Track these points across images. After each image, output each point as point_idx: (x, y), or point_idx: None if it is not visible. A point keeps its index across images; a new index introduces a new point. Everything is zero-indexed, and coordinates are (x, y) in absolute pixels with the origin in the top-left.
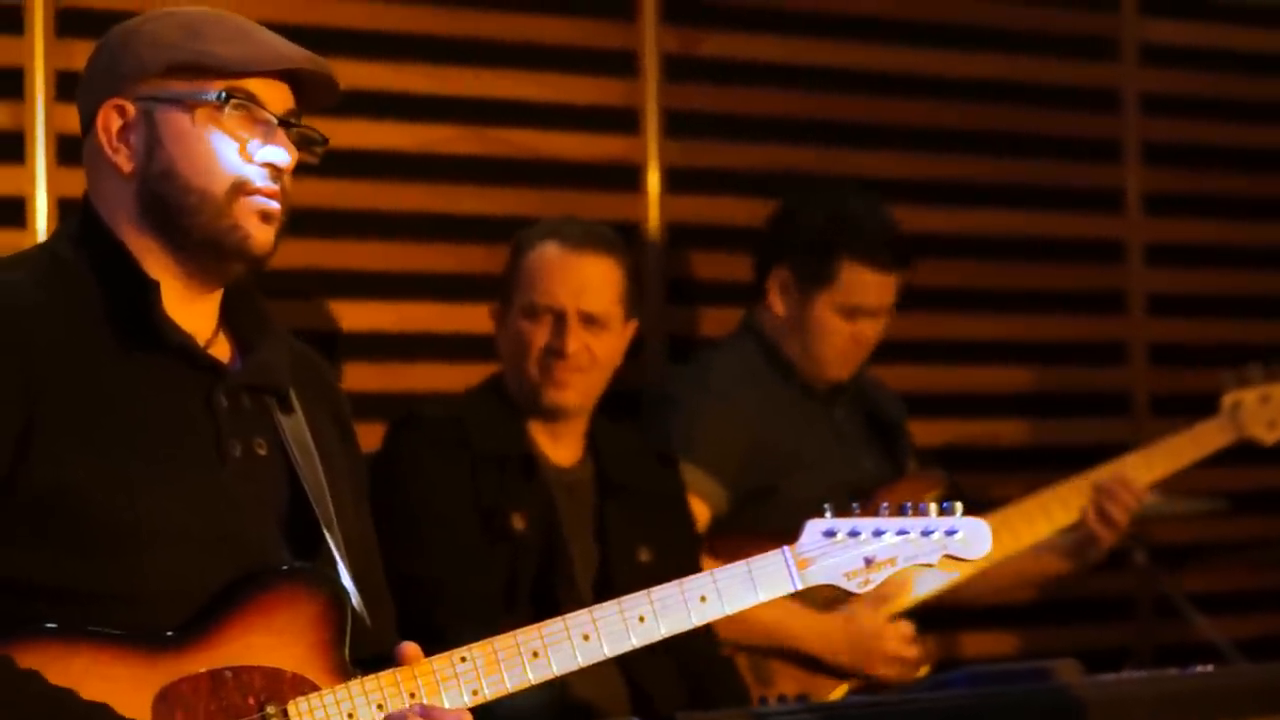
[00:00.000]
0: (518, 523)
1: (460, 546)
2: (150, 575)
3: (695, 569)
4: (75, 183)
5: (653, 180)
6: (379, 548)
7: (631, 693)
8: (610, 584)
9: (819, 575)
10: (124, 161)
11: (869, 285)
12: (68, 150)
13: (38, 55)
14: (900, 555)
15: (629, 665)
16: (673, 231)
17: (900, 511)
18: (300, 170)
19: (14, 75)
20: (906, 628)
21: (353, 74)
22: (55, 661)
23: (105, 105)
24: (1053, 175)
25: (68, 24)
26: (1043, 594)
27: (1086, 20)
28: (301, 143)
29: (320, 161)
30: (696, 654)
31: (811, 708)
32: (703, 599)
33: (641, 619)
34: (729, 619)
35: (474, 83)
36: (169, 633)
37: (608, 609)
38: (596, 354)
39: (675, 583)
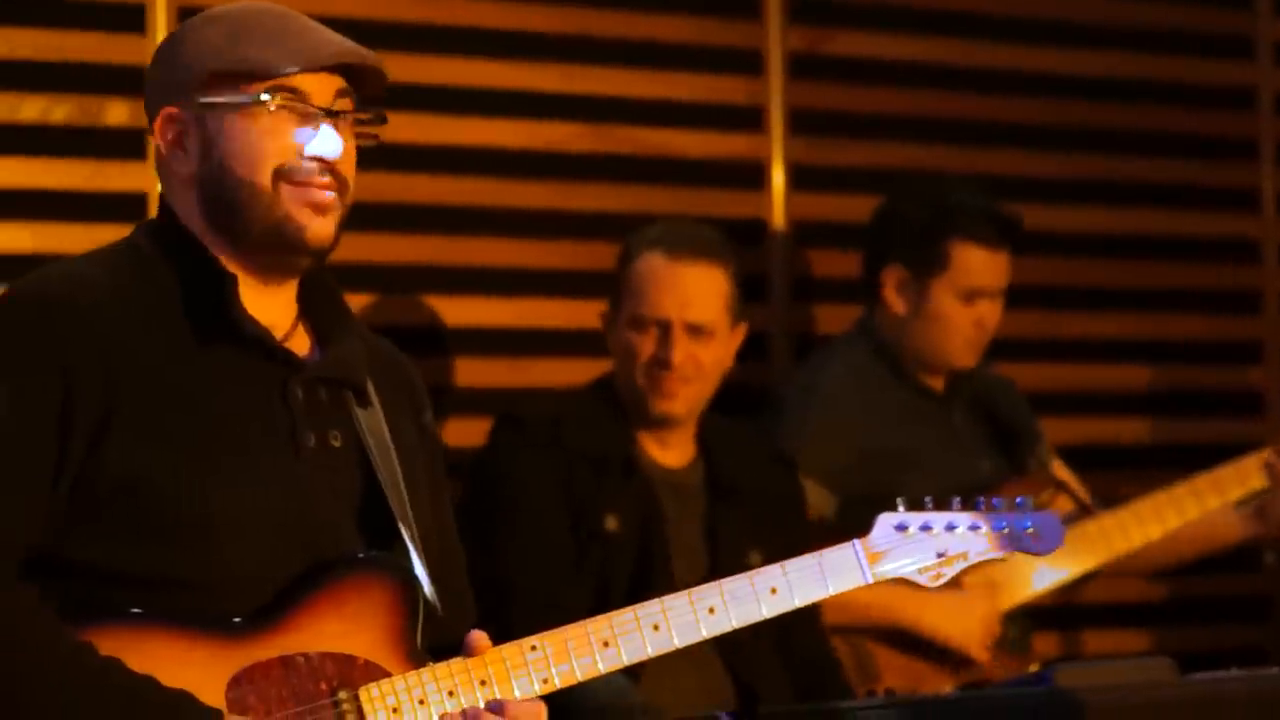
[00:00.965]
0: (610, 523)
1: (546, 546)
2: (224, 563)
3: None
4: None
5: (777, 178)
6: (469, 544)
7: (736, 687)
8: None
9: (890, 569)
10: (183, 167)
11: (983, 265)
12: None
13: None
14: (972, 549)
15: (734, 659)
16: (797, 230)
17: (974, 506)
18: (423, 167)
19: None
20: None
21: (476, 72)
22: (132, 647)
23: (161, 114)
24: (1187, 174)
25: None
26: (1174, 592)
27: (1220, 18)
28: (355, 125)
29: (439, 159)
30: (803, 649)
31: (892, 702)
32: (773, 591)
33: (711, 610)
34: (833, 599)
35: (598, 81)
36: (242, 619)
37: (678, 599)
38: (703, 363)
39: (745, 574)
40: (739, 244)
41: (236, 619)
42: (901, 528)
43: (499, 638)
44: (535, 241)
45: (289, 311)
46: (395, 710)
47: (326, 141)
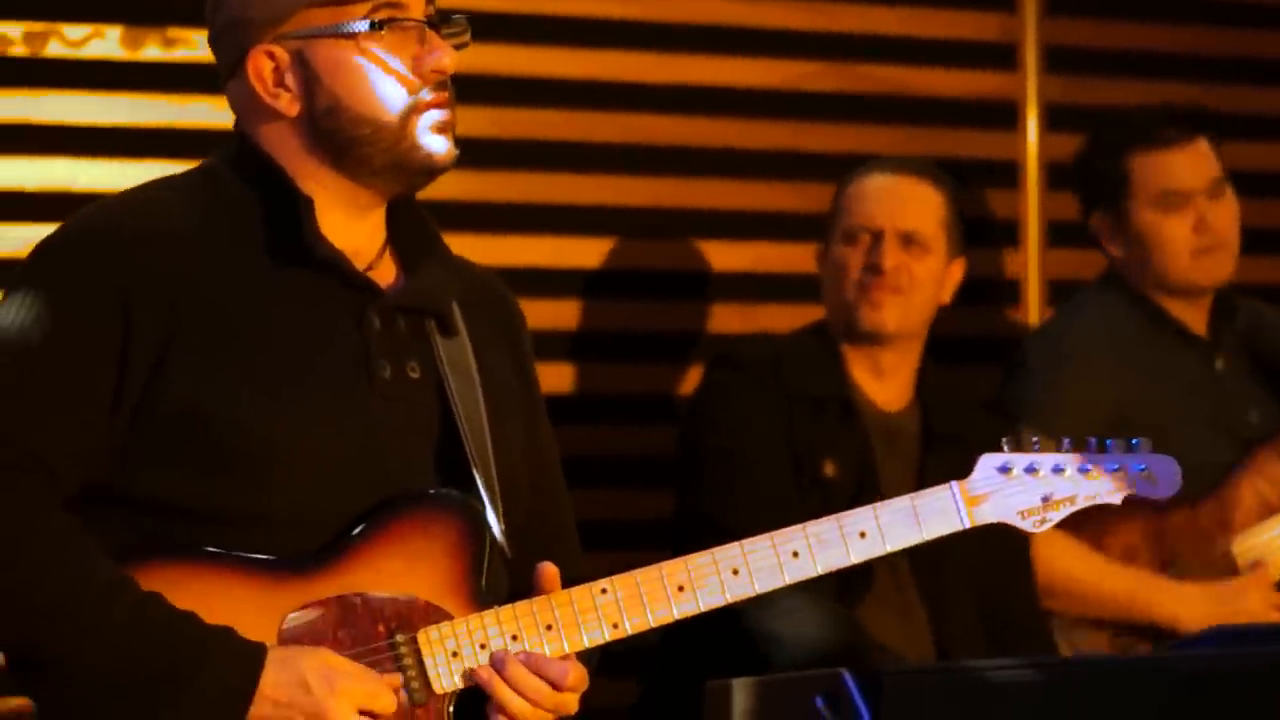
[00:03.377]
0: (829, 469)
1: (767, 490)
2: (283, 497)
3: (1021, 540)
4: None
5: (1031, 118)
6: (681, 487)
7: (936, 640)
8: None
9: (990, 513)
10: (287, 105)
11: (1164, 166)
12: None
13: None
14: (1080, 493)
15: (936, 614)
16: (1052, 172)
17: (1084, 446)
18: (662, 108)
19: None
20: (1272, 593)
21: (715, 10)
22: (185, 583)
23: (252, 54)
24: None
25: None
26: None
27: None
28: (448, 32)
29: (680, 99)
30: (1007, 612)
31: (1031, 663)
32: (862, 535)
33: (795, 554)
34: (1071, 594)
35: (842, 17)
36: (301, 556)
37: (759, 543)
38: (915, 275)
39: (833, 517)
40: (990, 187)
41: (295, 556)
42: (1004, 469)
43: None
44: (772, 183)
45: (376, 239)
46: (454, 654)
47: (440, 55)
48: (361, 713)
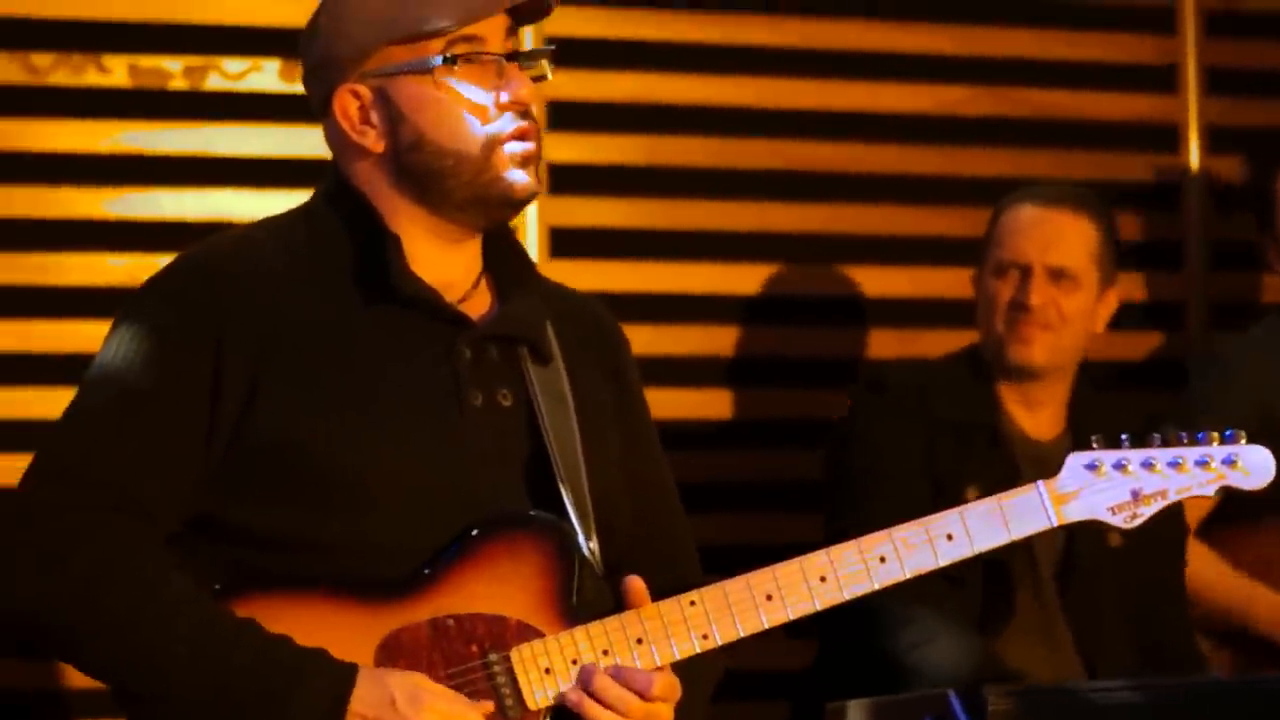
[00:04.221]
0: (971, 495)
1: (903, 512)
2: (376, 527)
3: (1175, 561)
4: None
5: (1193, 140)
6: (827, 509)
7: (1083, 663)
8: (1075, 567)
9: (1078, 511)
10: (373, 142)
11: None
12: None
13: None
14: (1171, 487)
15: (1082, 634)
16: (1214, 194)
17: (1176, 440)
18: (818, 133)
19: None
20: None
21: (867, 36)
22: (282, 611)
23: (338, 93)
24: None
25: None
26: None
27: None
28: (532, 61)
29: (835, 125)
30: (1160, 631)
31: (1137, 685)
32: (949, 537)
33: (882, 559)
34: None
35: (994, 41)
36: (393, 582)
37: (846, 549)
38: (1065, 311)
39: (919, 521)
40: (1151, 209)
41: (388, 581)
42: (1092, 466)
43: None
44: (929, 208)
45: (472, 270)
46: (548, 671)
47: (519, 87)
48: None
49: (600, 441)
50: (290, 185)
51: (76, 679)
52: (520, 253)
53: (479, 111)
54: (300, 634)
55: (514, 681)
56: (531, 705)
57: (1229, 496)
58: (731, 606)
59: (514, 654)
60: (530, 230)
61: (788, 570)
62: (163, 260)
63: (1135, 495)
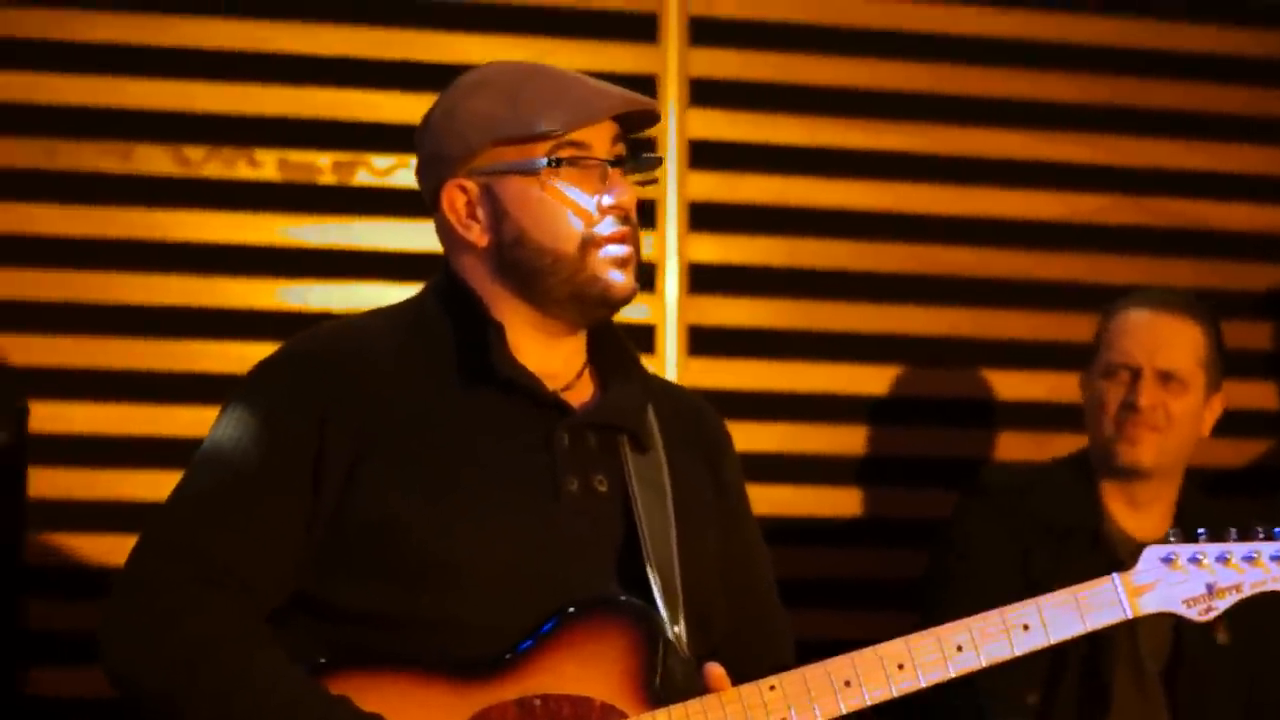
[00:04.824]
0: None
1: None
2: (468, 607)
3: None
4: None
5: None
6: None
7: None
8: (1182, 663)
9: (1154, 603)
10: (477, 236)
11: None
12: None
13: None
14: (1246, 581)
15: (1179, 701)
16: None
17: (1252, 535)
18: (954, 238)
19: None
20: None
21: (1007, 144)
22: (375, 688)
23: (446, 187)
24: None
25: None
26: None
27: None
28: (638, 167)
29: (968, 231)
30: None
31: None
32: (1025, 628)
33: (959, 648)
34: None
35: (1132, 151)
36: (484, 662)
37: (925, 639)
38: (1173, 413)
39: (997, 610)
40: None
41: (480, 660)
42: (1168, 560)
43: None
44: (1066, 314)
45: (575, 361)
46: None
47: (621, 193)
48: None
49: (696, 531)
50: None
51: None
52: (623, 344)
53: (580, 213)
54: (393, 710)
55: None
56: None
57: None
58: (810, 691)
59: None
60: (669, 329)
61: (865, 658)
62: None
63: (1210, 589)
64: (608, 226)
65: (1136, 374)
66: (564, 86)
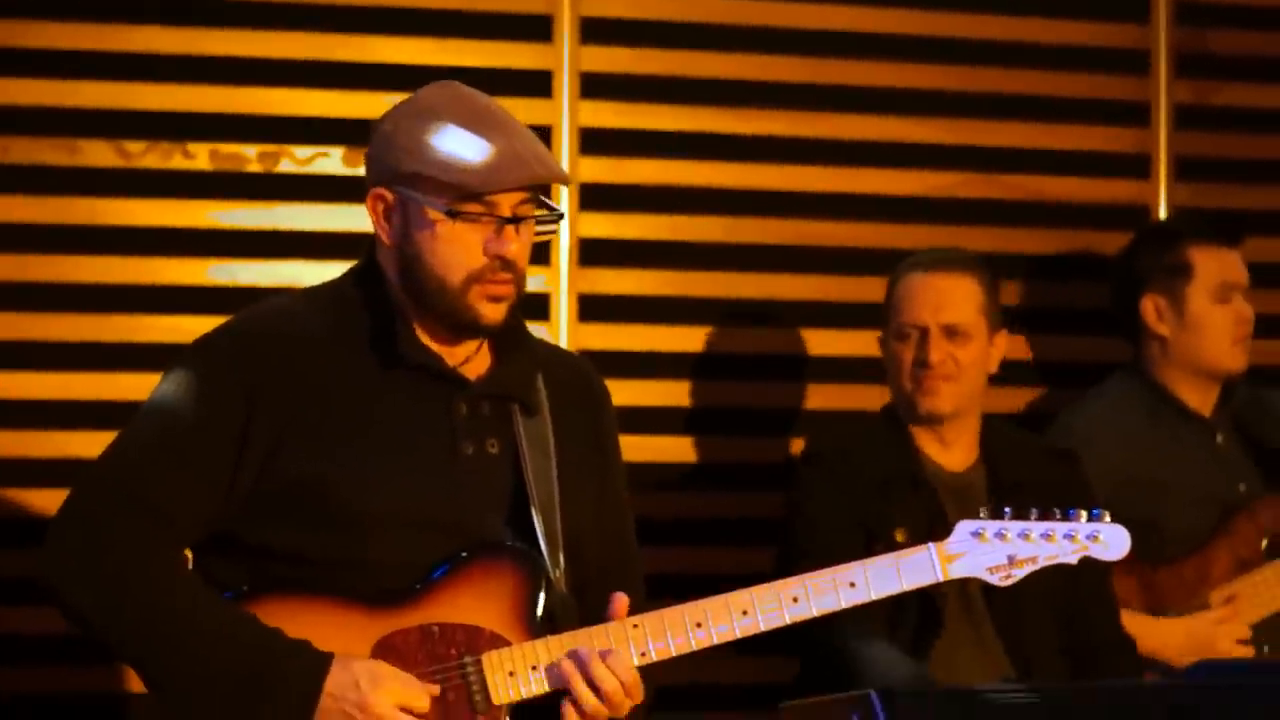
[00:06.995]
0: (900, 536)
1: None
2: (378, 550)
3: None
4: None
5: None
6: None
7: (1014, 666)
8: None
9: (962, 569)
10: (387, 237)
11: (1223, 261)
12: None
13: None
14: (1041, 555)
15: (1011, 639)
16: None
17: (1049, 515)
18: (821, 213)
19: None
20: (1241, 630)
21: (868, 127)
22: (294, 613)
23: (374, 189)
24: None
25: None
26: None
27: None
28: (539, 220)
29: (834, 206)
30: (1089, 632)
31: (1033, 688)
32: (852, 585)
33: (795, 599)
34: None
35: (981, 132)
36: (391, 594)
37: (766, 590)
38: (961, 361)
39: (829, 570)
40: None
41: (386, 593)
42: (977, 534)
43: (818, 650)
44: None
45: (472, 339)
46: (511, 674)
47: (509, 246)
48: (401, 708)
49: (577, 485)
50: (351, 257)
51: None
52: (516, 326)
53: (470, 257)
54: (310, 631)
55: (483, 680)
56: (495, 700)
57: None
58: (667, 630)
59: (484, 658)
60: (562, 297)
61: (716, 604)
62: None
63: (1010, 559)
64: (492, 270)
65: (924, 332)
66: (494, 144)
